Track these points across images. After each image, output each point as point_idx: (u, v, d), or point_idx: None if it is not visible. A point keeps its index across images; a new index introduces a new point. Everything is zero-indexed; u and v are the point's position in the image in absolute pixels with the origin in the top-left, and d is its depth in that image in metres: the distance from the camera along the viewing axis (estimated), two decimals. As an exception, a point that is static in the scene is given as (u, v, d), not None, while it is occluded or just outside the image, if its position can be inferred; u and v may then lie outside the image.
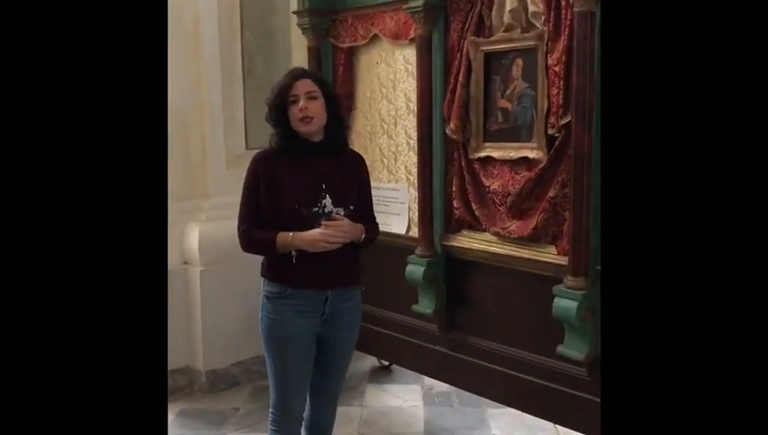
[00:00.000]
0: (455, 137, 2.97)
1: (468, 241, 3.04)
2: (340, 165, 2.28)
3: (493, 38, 2.82)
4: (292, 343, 2.22)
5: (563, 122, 2.55)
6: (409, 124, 3.28)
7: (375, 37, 3.40)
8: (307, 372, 2.29)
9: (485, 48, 2.84)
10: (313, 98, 2.21)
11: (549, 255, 2.72)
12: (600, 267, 2.54)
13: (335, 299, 2.24)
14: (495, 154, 2.86)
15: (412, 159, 3.26)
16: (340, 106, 2.37)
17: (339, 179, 2.24)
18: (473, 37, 2.87)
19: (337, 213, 2.18)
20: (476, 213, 2.95)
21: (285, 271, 2.19)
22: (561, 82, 2.54)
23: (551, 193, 2.66)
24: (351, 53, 3.56)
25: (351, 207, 2.25)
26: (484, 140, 2.90)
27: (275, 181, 2.17)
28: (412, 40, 3.14)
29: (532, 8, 2.68)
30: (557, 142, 2.61)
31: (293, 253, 2.15)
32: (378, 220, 2.45)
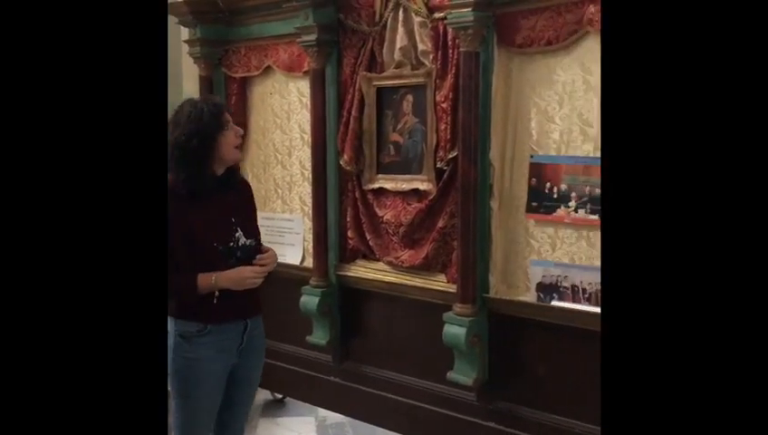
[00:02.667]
0: (349, 168, 3.02)
1: (363, 271, 3.08)
2: (239, 196, 2.24)
3: (384, 74, 2.90)
4: (209, 381, 2.14)
5: (451, 156, 2.66)
6: (304, 155, 3.29)
7: (269, 68, 3.41)
8: (216, 411, 2.23)
9: (377, 83, 2.93)
10: None
11: (439, 283, 2.81)
12: (486, 294, 2.66)
13: (252, 327, 2.22)
14: (388, 185, 2.93)
15: (307, 189, 3.27)
16: None
17: (243, 211, 2.22)
18: (365, 72, 2.94)
19: (250, 244, 2.15)
20: (370, 243, 3.01)
21: (205, 309, 2.10)
22: (449, 118, 2.66)
23: (440, 223, 2.76)
24: (245, 84, 3.55)
25: (258, 237, 2.24)
26: (378, 172, 2.97)
27: (188, 222, 2.06)
28: (306, 72, 3.18)
29: (421, 47, 2.79)
30: (445, 175, 2.71)
31: (216, 293, 2.09)
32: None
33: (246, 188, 2.34)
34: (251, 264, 2.14)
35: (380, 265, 3.01)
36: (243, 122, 3.52)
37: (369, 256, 3.07)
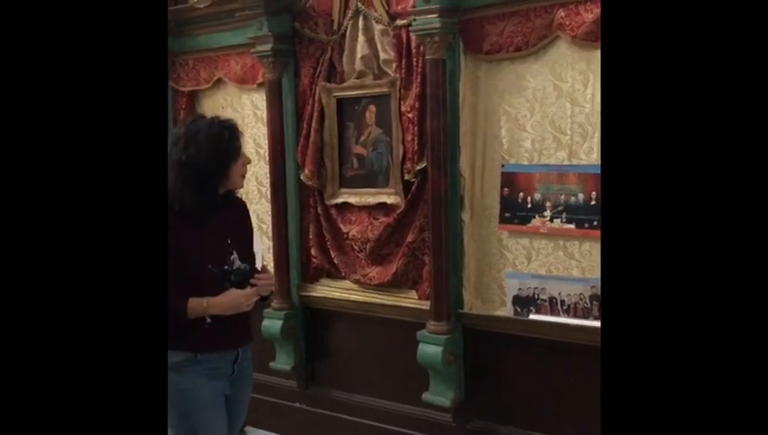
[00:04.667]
0: (310, 183, 2.90)
1: (327, 290, 2.95)
2: (235, 216, 2.08)
3: (345, 84, 2.80)
4: (209, 409, 1.98)
5: (419, 168, 2.58)
6: (260, 171, 3.15)
7: (219, 81, 3.27)
8: None
9: (338, 94, 2.82)
10: None
11: (410, 300, 2.71)
12: (461, 310, 2.56)
13: (243, 356, 2.06)
14: (352, 200, 2.82)
15: (265, 206, 3.13)
16: None
17: (239, 232, 2.06)
18: (324, 83, 2.83)
19: (245, 268, 2.00)
20: (335, 261, 2.89)
21: (194, 336, 1.94)
22: (416, 129, 2.57)
23: (409, 238, 2.66)
24: (194, 98, 3.39)
25: (254, 260, 2.10)
26: (341, 186, 2.86)
27: (182, 242, 1.87)
28: (260, 84, 3.05)
29: (383, 55, 2.70)
30: (414, 187, 2.63)
31: (208, 319, 1.94)
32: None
33: (243, 208, 2.17)
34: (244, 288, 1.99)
35: (347, 283, 2.89)
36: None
37: (334, 274, 2.94)
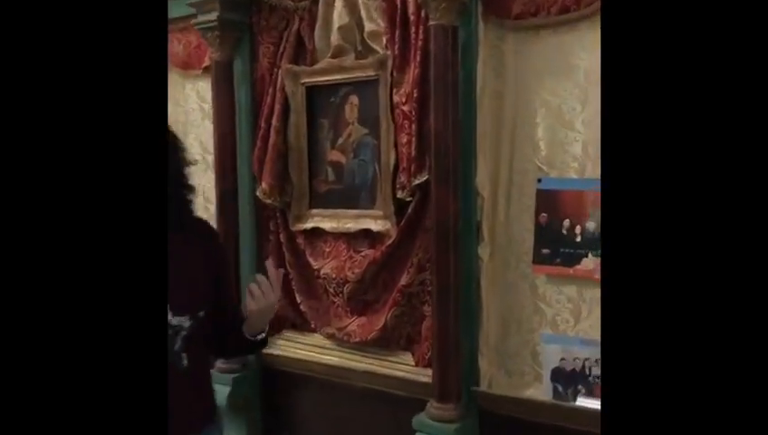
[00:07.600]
0: (269, 201, 2.39)
1: (291, 347, 2.43)
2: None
3: (317, 66, 2.28)
4: None
5: (418, 182, 2.01)
6: (207, 183, 2.60)
7: (158, 66, 2.68)
8: None
9: (307, 80, 2.30)
10: None
11: (404, 366, 2.16)
12: (476, 388, 1.94)
13: None
14: (326, 225, 2.31)
15: (210, 231, 2.52)
16: None
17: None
18: (289, 65, 2.31)
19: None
20: (302, 307, 2.41)
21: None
22: (413, 127, 2.01)
23: (403, 280, 2.13)
24: (127, 88, 2.78)
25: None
26: (311, 206, 2.38)
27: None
28: (206, 69, 2.54)
29: (369, 26, 2.13)
30: (410, 209, 2.08)
31: None
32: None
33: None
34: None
35: (317, 338, 2.38)
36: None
37: (300, 326, 2.44)
